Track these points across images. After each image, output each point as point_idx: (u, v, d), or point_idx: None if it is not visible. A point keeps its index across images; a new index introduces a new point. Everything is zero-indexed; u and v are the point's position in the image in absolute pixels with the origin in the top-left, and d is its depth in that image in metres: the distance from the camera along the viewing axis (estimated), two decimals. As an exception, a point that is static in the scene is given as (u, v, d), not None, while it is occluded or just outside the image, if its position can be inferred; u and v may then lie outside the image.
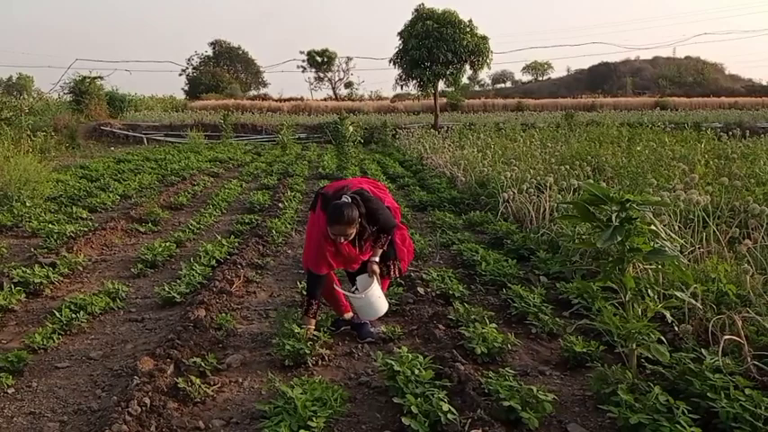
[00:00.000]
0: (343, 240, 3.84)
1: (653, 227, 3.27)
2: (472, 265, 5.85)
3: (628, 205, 3.13)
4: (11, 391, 3.54)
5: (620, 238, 3.11)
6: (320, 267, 4.01)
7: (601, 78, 75.61)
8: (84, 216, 8.61)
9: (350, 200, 3.80)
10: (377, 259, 4.14)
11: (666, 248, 3.19)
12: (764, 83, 69.42)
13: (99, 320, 4.72)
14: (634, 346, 3.21)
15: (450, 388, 3.29)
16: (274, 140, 24.47)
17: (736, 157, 9.57)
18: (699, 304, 3.85)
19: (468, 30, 23.76)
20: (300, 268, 6.00)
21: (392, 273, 4.26)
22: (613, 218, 3.16)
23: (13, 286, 5.10)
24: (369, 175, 12.51)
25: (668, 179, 7.45)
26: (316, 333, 4.00)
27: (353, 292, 4.17)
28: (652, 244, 3.21)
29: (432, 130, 21.92)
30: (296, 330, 3.92)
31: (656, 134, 14.42)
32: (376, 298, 4.07)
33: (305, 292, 4.24)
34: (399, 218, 4.37)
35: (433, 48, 23.34)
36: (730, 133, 12.98)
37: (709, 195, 5.29)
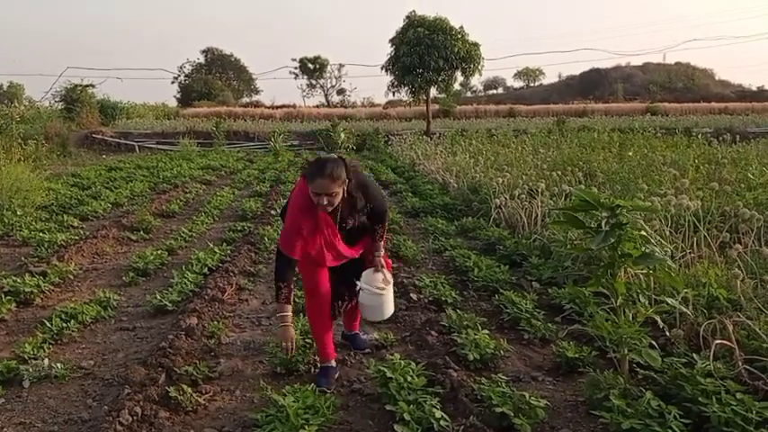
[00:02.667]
0: (326, 203, 3.28)
1: (643, 232, 3.29)
2: (464, 271, 5.85)
3: (618, 211, 3.14)
4: (1, 401, 3.52)
5: (612, 240, 3.12)
6: (293, 247, 3.42)
7: (592, 84, 76.10)
8: (76, 224, 8.58)
9: (336, 157, 3.36)
10: (382, 252, 3.79)
11: (656, 253, 3.21)
12: (754, 88, 70.05)
13: (90, 329, 4.70)
14: (626, 351, 3.23)
15: (443, 394, 3.29)
16: (267, 148, 24.47)
17: (726, 162, 9.62)
18: (688, 310, 3.86)
19: (459, 36, 23.83)
20: (294, 275, 5.98)
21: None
22: (603, 224, 3.17)
23: (3, 296, 5.06)
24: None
25: (659, 184, 7.49)
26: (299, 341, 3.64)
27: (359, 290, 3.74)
28: (643, 249, 3.23)
29: (424, 136, 21.96)
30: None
31: (646, 140, 14.51)
32: (390, 296, 3.81)
33: (274, 279, 3.58)
34: None
35: (425, 54, 23.39)
36: (720, 138, 13.04)
37: (700, 200, 5.31)
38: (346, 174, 3.32)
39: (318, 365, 3.80)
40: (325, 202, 3.29)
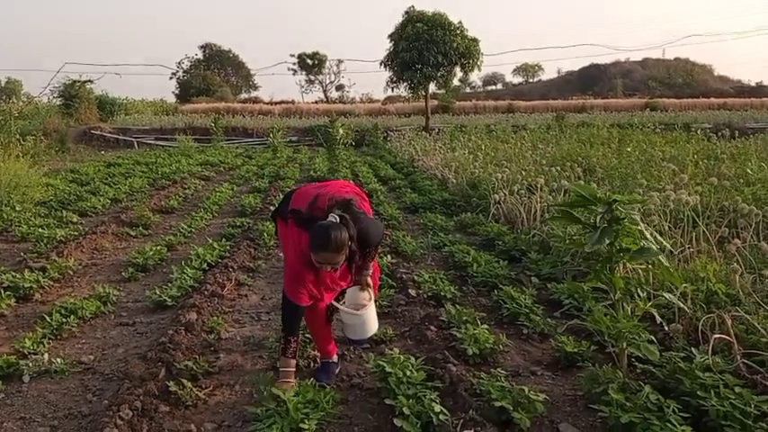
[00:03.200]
0: (329, 269, 3.24)
1: (640, 227, 3.29)
2: (463, 266, 5.86)
3: (615, 206, 3.14)
4: (0, 396, 3.52)
5: (608, 241, 3.12)
6: (300, 297, 3.32)
7: (591, 80, 76.02)
8: (75, 220, 8.57)
9: (338, 219, 3.14)
10: (370, 272, 3.63)
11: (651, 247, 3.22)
12: (753, 84, 69.99)
13: (90, 325, 4.70)
14: (624, 345, 3.23)
15: (442, 389, 3.30)
16: (265, 144, 24.44)
17: (725, 158, 9.63)
18: (685, 306, 3.87)
19: (458, 32, 23.82)
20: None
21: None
22: (598, 219, 3.17)
23: (2, 291, 5.06)
24: (360, 178, 12.51)
25: (658, 180, 7.50)
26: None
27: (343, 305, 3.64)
28: (641, 244, 3.23)
29: (423, 132, 21.95)
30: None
31: (646, 135, 14.51)
32: (372, 315, 3.64)
33: (282, 328, 3.45)
34: None
35: (424, 50, 23.38)
36: (719, 134, 13.05)
37: (699, 195, 5.32)
38: (350, 235, 3.14)
39: (319, 361, 3.81)
40: (329, 269, 3.24)
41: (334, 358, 3.78)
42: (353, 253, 3.27)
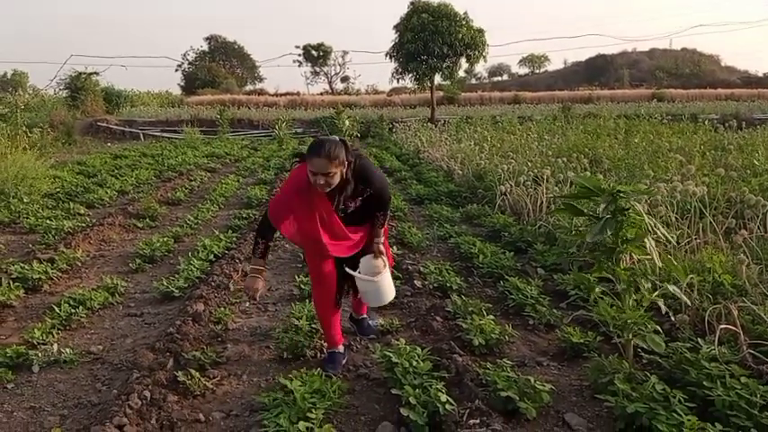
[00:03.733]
0: (323, 182, 3.21)
1: (644, 218, 3.29)
2: (469, 257, 5.87)
3: (619, 196, 3.14)
4: (10, 386, 3.56)
5: (609, 233, 3.12)
6: (280, 220, 3.40)
7: (598, 70, 75.79)
8: (82, 212, 8.61)
9: (337, 139, 3.29)
10: (382, 239, 3.71)
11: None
12: (760, 74, 69.49)
13: (98, 315, 4.74)
14: (630, 336, 3.24)
15: (448, 379, 3.31)
16: (271, 135, 24.44)
17: (732, 149, 9.59)
18: (691, 298, 3.87)
19: (463, 22, 23.70)
20: (299, 262, 6.02)
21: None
22: (602, 210, 3.17)
23: (11, 282, 5.11)
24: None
25: (665, 170, 7.48)
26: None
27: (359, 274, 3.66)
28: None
29: (428, 123, 21.90)
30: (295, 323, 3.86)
31: (653, 126, 14.45)
32: (388, 282, 3.70)
33: (254, 235, 3.62)
34: None
35: (429, 41, 23.28)
36: (726, 125, 13.01)
37: (706, 186, 5.30)
38: (346, 156, 3.26)
39: (326, 351, 3.83)
40: (322, 182, 3.23)
41: (341, 348, 3.80)
42: (347, 182, 3.36)
